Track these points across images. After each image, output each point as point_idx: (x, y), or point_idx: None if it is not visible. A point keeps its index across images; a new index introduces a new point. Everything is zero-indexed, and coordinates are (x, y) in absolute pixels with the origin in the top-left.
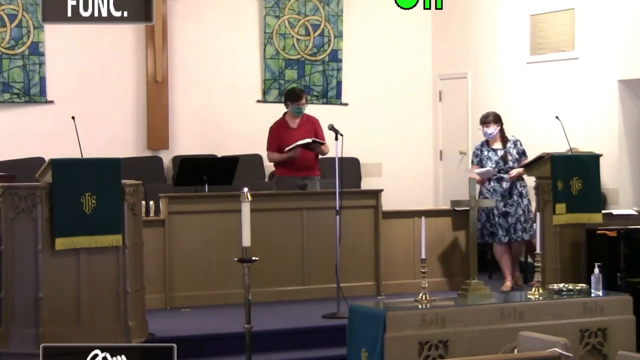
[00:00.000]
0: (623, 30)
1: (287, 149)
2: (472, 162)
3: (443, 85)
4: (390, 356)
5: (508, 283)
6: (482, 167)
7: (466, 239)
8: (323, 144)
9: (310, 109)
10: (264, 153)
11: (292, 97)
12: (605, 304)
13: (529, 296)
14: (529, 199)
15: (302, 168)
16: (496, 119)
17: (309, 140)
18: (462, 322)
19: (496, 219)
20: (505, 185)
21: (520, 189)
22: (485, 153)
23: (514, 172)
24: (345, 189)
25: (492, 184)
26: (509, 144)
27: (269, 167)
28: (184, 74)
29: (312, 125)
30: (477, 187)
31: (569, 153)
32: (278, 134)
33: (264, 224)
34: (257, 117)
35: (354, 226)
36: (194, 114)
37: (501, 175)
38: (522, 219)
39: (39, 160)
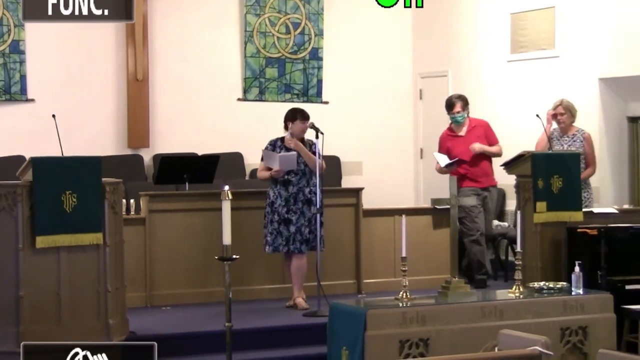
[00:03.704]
0: (603, 29)
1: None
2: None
3: (424, 83)
4: (371, 354)
5: (299, 300)
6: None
7: (447, 237)
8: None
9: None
10: (244, 151)
11: (446, 106)
12: (586, 302)
13: (509, 294)
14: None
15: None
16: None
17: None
18: (443, 321)
19: None
20: None
21: None
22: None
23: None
24: (326, 187)
25: None
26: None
27: (249, 165)
28: (165, 72)
29: (482, 130)
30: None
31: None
32: (444, 143)
33: (245, 222)
34: (238, 115)
35: (334, 224)
36: (175, 113)
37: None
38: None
39: (20, 159)
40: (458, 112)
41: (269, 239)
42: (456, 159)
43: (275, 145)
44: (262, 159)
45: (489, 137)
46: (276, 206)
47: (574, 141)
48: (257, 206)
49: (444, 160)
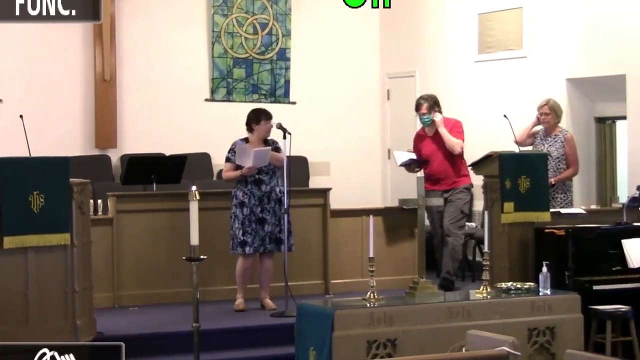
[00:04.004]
0: (571, 29)
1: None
2: None
3: (391, 84)
4: (338, 355)
5: (267, 300)
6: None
7: (414, 237)
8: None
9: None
10: (212, 152)
11: (415, 107)
12: (554, 303)
13: (477, 295)
14: None
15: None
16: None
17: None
18: (411, 321)
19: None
20: None
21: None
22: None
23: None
24: (294, 187)
25: None
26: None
27: (217, 165)
28: (132, 72)
29: (448, 129)
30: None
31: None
32: (416, 143)
33: (212, 223)
34: (205, 115)
35: (302, 225)
36: (142, 113)
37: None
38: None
39: None
40: (424, 114)
41: (248, 239)
42: (409, 159)
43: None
44: (226, 160)
45: (451, 133)
46: (250, 206)
47: (555, 142)
48: (224, 207)
49: (400, 158)
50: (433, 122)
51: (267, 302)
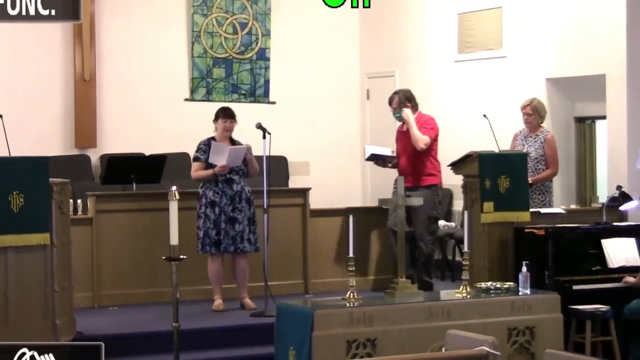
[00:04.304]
0: (551, 29)
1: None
2: None
3: (371, 83)
4: (318, 355)
5: (247, 300)
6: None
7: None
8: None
9: (238, 108)
10: (191, 152)
11: (388, 101)
12: (533, 303)
13: (456, 294)
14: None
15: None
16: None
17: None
18: (390, 321)
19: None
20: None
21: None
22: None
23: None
24: (273, 187)
25: None
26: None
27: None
28: (112, 72)
29: (419, 125)
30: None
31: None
32: (396, 138)
33: (192, 223)
34: (185, 115)
35: (281, 224)
36: (122, 113)
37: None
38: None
39: None
40: (395, 109)
41: (219, 238)
42: (372, 154)
43: (209, 144)
44: (194, 159)
45: (421, 130)
46: (222, 205)
47: (535, 142)
48: None
49: (368, 152)
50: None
51: (247, 301)
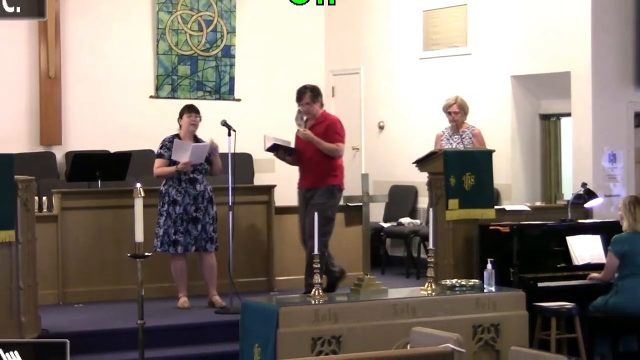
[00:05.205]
0: (516, 26)
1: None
2: None
3: (336, 80)
4: (283, 352)
5: (216, 298)
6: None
7: (359, 234)
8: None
9: (203, 105)
10: (156, 149)
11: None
12: (498, 300)
13: (421, 292)
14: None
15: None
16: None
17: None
18: (355, 318)
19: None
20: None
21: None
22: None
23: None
24: (238, 184)
25: None
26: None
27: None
28: (77, 69)
29: (322, 127)
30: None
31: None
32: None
33: (156, 220)
34: (150, 112)
35: (246, 222)
36: (87, 110)
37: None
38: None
39: None
40: (307, 104)
41: (180, 238)
42: (274, 144)
43: (172, 142)
44: (158, 156)
45: (328, 135)
46: (184, 204)
47: (463, 138)
48: None
49: (268, 143)
50: (311, 114)
51: (216, 299)
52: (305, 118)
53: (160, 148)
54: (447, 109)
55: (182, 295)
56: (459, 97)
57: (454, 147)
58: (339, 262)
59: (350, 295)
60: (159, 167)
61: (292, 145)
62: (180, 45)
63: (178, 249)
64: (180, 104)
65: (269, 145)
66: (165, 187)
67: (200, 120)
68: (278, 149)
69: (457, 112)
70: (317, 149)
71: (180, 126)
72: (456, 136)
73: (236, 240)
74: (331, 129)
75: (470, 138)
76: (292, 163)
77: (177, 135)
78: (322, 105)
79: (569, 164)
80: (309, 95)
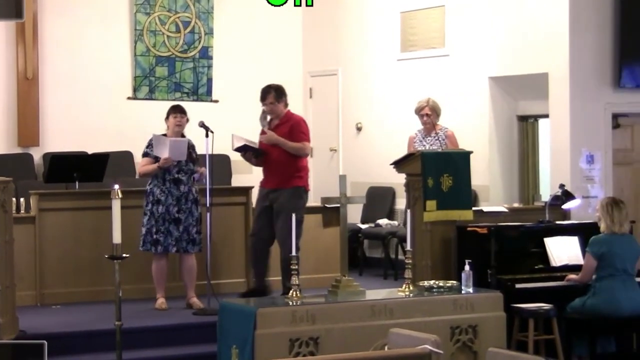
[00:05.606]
0: (493, 28)
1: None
2: None
3: (314, 82)
4: (260, 353)
5: (194, 299)
6: None
7: (337, 235)
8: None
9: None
10: (134, 150)
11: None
12: (476, 301)
13: (399, 293)
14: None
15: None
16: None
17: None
18: (333, 319)
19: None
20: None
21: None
22: None
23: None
24: (216, 185)
25: None
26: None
27: (139, 164)
28: (55, 70)
29: (287, 127)
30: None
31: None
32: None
33: (135, 221)
34: (128, 114)
35: (224, 223)
36: (65, 111)
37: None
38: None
39: None
40: (271, 103)
41: (160, 238)
42: (244, 144)
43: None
44: (143, 155)
45: (294, 135)
46: (167, 205)
47: (437, 140)
48: None
49: (236, 143)
50: (276, 114)
51: (194, 300)
52: (269, 118)
53: (147, 147)
54: (419, 111)
55: (159, 297)
56: (431, 99)
57: (427, 148)
58: (315, 264)
59: (328, 296)
60: (143, 165)
61: (249, 143)
62: (158, 47)
63: (158, 249)
64: (158, 105)
65: (238, 145)
66: (150, 187)
67: (188, 120)
68: (247, 150)
69: (429, 114)
70: (282, 149)
71: (168, 127)
72: (429, 137)
73: (214, 242)
74: (296, 129)
75: (444, 139)
76: (256, 164)
77: (164, 135)
78: (286, 105)
79: (546, 166)
80: (272, 95)
